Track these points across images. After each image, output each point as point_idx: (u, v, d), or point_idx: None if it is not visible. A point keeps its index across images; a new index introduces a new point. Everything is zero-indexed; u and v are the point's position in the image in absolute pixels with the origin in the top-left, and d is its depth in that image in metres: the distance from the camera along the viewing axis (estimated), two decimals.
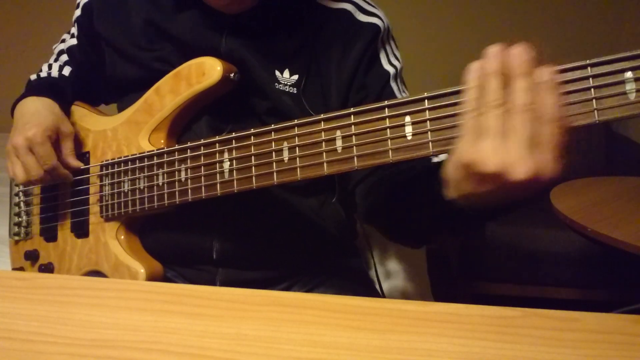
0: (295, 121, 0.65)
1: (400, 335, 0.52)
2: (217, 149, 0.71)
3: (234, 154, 0.70)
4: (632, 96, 0.49)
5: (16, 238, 0.95)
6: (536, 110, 0.48)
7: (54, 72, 0.94)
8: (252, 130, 0.68)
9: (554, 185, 1.66)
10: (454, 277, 2.09)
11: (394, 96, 0.80)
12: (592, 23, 2.33)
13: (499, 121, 0.49)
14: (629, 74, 0.49)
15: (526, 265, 1.95)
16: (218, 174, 0.71)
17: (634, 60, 0.49)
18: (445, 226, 0.72)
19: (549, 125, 0.47)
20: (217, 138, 0.71)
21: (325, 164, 0.63)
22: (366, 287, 0.95)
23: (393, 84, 0.82)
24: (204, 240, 0.83)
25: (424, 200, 0.68)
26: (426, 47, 2.47)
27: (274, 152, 0.66)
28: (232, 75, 0.76)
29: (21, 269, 0.94)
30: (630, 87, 0.49)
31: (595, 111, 0.50)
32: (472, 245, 1.98)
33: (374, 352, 0.50)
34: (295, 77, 0.80)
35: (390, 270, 1.20)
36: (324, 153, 0.63)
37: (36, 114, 0.82)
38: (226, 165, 0.70)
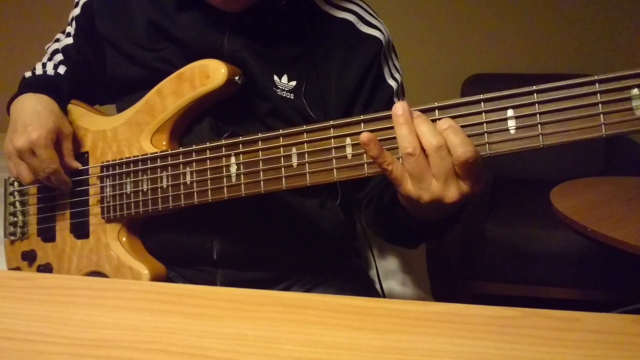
0: (305, 127, 0.65)
1: (400, 335, 0.52)
2: (224, 152, 0.71)
3: (242, 159, 0.70)
4: (639, 112, 0.51)
5: (12, 238, 0.94)
6: (446, 150, 0.55)
7: (49, 71, 0.93)
8: (260, 135, 0.68)
9: (552, 186, 1.66)
10: (454, 277, 2.09)
11: None
12: (592, 23, 2.33)
13: (420, 164, 0.56)
14: (635, 91, 0.51)
15: (526, 265, 1.95)
16: (225, 178, 0.71)
17: None
18: (413, 237, 0.80)
19: (459, 160, 0.55)
20: (223, 142, 0.71)
21: (335, 170, 0.64)
22: (366, 288, 0.95)
23: (396, 99, 0.84)
24: (205, 241, 0.83)
25: (392, 214, 0.74)
26: (427, 51, 2.47)
27: (282, 158, 0.67)
28: (236, 77, 0.75)
29: (17, 269, 0.93)
30: (636, 103, 0.51)
31: (603, 125, 0.52)
32: (472, 245, 1.98)
33: (374, 352, 0.50)
34: (294, 83, 0.80)
35: (390, 270, 1.19)
36: (334, 159, 0.63)
37: (36, 114, 0.81)
38: (233, 169, 0.70)
